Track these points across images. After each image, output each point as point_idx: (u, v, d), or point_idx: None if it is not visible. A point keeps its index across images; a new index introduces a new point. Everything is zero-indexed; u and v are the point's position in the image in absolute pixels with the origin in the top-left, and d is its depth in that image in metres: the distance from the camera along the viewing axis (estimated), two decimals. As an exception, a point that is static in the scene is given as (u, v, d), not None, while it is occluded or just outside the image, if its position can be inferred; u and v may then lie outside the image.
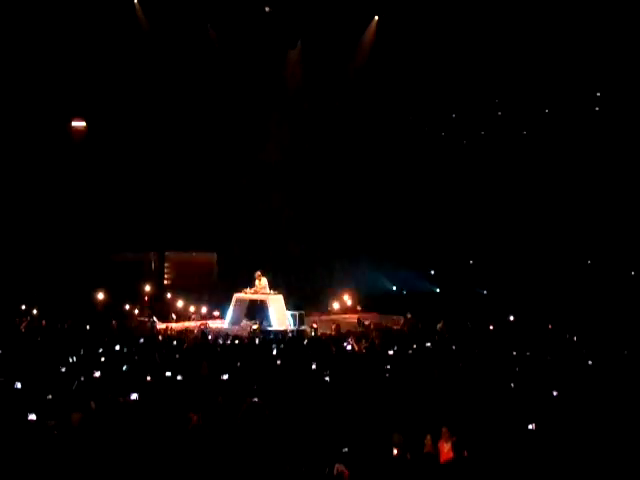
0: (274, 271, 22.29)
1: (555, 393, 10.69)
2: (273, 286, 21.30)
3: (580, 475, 7.46)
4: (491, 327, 18.98)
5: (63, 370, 12.09)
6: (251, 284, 21.16)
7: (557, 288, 22.20)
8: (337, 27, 22.73)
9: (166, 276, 26.99)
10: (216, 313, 22.48)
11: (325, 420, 9.08)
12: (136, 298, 23.19)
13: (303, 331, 19.06)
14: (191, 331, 18.38)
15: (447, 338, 17.07)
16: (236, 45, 23.85)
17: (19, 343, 15.16)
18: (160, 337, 17.26)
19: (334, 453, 7.52)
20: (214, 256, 26.82)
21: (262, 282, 21.11)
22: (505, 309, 21.25)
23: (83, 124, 24.17)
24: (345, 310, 24.45)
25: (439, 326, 18.84)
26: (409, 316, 20.72)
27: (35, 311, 19.95)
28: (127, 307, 21.98)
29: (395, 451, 8.10)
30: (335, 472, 7.23)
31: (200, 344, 15.88)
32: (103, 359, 13.21)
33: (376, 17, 24.02)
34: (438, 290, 26.16)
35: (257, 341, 16.61)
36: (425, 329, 19.10)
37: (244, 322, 21.07)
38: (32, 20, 21.03)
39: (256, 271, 21.21)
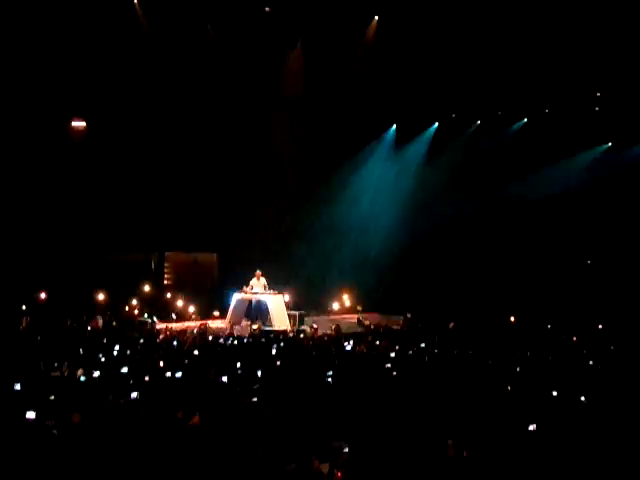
0: (275, 271, 22.29)
1: (555, 393, 10.68)
2: (273, 286, 21.29)
3: (580, 475, 7.45)
4: (493, 328, 18.97)
5: (62, 370, 12.06)
6: (247, 283, 21.14)
7: (557, 288, 22.20)
8: (337, 27, 22.69)
9: (166, 276, 26.97)
10: (216, 313, 22.46)
11: (325, 420, 9.07)
12: (136, 298, 23.17)
13: (303, 331, 19.06)
14: (191, 331, 18.37)
15: (458, 339, 16.98)
16: (236, 45, 23.82)
17: (19, 343, 15.14)
18: (161, 337, 17.27)
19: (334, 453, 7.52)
20: (214, 256, 26.80)
21: (261, 282, 21.11)
22: (505, 309, 21.24)
23: (83, 124, 24.16)
24: (345, 310, 24.43)
25: (451, 325, 18.84)
26: (409, 316, 20.72)
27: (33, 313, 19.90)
28: (127, 307, 21.99)
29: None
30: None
31: (200, 344, 15.86)
32: (103, 359, 13.20)
33: (376, 17, 24.01)
34: None
35: (257, 341, 16.60)
36: (424, 329, 19.08)
37: (244, 322, 21.07)
38: (32, 20, 21.00)
39: (256, 270, 21.21)
